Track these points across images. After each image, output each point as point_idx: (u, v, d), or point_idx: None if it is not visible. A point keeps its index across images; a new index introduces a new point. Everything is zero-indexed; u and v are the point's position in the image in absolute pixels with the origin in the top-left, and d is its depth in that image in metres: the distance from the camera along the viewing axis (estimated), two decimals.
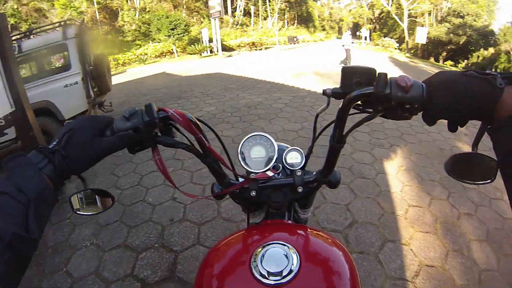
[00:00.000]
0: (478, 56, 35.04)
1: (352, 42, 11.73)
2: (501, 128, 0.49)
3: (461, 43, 34.61)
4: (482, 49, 35.20)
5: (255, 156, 0.87)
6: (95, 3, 28.84)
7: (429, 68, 16.97)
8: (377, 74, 0.62)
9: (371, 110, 0.67)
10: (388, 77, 0.59)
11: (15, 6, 25.61)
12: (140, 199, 3.35)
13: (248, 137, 0.90)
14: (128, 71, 18.36)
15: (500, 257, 2.46)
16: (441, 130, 5.03)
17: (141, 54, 23.59)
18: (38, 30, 6.58)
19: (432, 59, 28.78)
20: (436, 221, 2.87)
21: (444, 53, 37.17)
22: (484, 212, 3.03)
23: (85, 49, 5.61)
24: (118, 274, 2.35)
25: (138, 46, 27.29)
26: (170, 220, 2.93)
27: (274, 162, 0.85)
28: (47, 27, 6.75)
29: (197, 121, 0.72)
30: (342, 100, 0.69)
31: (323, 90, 0.76)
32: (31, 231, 0.47)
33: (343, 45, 12.14)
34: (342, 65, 11.19)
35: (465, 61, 36.09)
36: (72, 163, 0.59)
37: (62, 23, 5.67)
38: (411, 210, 3.05)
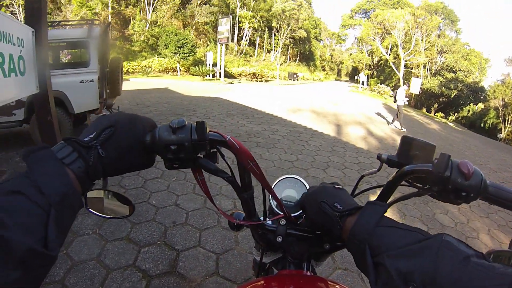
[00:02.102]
0: (469, 111, 37.27)
1: (407, 98, 11.48)
2: (348, 246, 0.58)
3: (452, 96, 36.90)
4: (472, 104, 37.53)
5: (287, 199, 0.84)
6: (109, 7, 29.35)
7: (421, 118, 17.65)
8: (437, 152, 0.62)
9: (420, 186, 0.65)
10: (451, 158, 0.57)
11: None
12: (144, 200, 3.51)
13: (281, 179, 0.88)
14: (132, 80, 18.59)
15: None
16: None
17: (145, 66, 23.95)
18: (63, 23, 6.76)
19: (424, 110, 30.05)
20: None
21: (436, 105, 39.36)
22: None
23: (105, 50, 5.82)
24: (119, 263, 2.47)
25: (144, 58, 27.65)
26: (173, 223, 3.10)
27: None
28: (73, 22, 6.96)
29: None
30: (396, 168, 0.69)
31: (378, 154, 0.74)
32: (50, 246, 0.40)
33: (395, 101, 11.89)
34: (393, 125, 11.42)
35: (455, 114, 38.24)
36: (108, 165, 0.53)
37: (89, 22, 5.86)
38: None
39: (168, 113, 8.82)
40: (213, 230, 3.04)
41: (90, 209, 0.61)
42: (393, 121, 11.97)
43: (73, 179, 0.47)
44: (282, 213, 0.76)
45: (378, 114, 15.65)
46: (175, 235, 2.91)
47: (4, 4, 24.13)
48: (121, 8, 31.40)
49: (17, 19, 23.57)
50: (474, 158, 9.72)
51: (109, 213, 0.65)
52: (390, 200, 0.73)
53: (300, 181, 0.87)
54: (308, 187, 0.84)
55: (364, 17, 62.28)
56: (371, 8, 60.02)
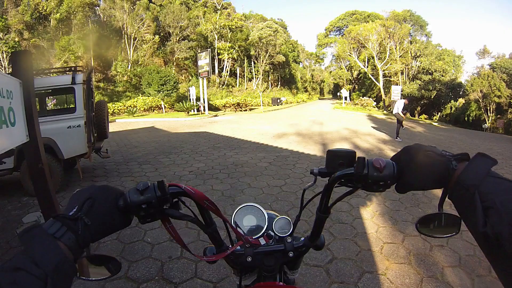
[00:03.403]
0: (451, 108, 38.16)
1: (404, 111, 11.85)
2: (453, 192, 0.62)
3: (432, 97, 38.02)
4: (452, 101, 38.62)
5: (247, 224, 0.95)
6: (91, 50, 29.75)
7: (406, 123, 17.85)
8: (357, 157, 0.74)
9: (351, 185, 0.76)
10: (366, 159, 0.70)
11: (17, 39, 26.38)
12: (140, 239, 3.57)
13: (240, 208, 0.98)
14: (118, 121, 18.74)
15: (474, 278, 2.83)
16: None
17: (130, 106, 24.14)
18: (47, 71, 6.94)
19: (408, 114, 30.65)
20: (409, 253, 3.25)
21: (419, 108, 40.25)
22: (455, 242, 3.45)
23: (90, 95, 5.97)
24: None
25: (128, 98, 27.91)
26: (168, 258, 3.16)
27: (265, 230, 0.93)
28: (57, 69, 7.14)
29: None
30: (327, 178, 0.80)
31: (311, 170, 0.84)
32: None
33: (394, 113, 12.25)
34: (399, 139, 11.63)
35: (438, 113, 39.23)
36: (93, 233, 0.60)
37: (72, 68, 6.04)
38: (386, 246, 3.44)
39: (156, 152, 8.94)
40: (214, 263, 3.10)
41: (81, 277, 0.65)
42: (397, 133, 12.02)
43: (64, 250, 0.53)
44: (241, 240, 0.87)
45: (363, 126, 16.03)
46: (171, 269, 2.97)
47: None
48: (103, 50, 31.88)
49: (1, 65, 23.95)
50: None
51: (99, 275, 0.69)
52: (330, 202, 0.83)
53: (256, 206, 0.98)
54: (263, 210, 0.97)
55: (339, 34, 63.90)
56: (344, 25, 61.78)
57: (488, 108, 34.26)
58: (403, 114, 11.85)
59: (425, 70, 40.15)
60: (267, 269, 0.89)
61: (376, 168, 0.68)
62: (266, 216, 0.96)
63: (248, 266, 0.90)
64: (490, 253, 0.54)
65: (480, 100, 34.77)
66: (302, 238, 0.94)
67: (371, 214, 4.32)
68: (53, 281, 0.48)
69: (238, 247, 0.88)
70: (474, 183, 0.57)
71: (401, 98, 13.76)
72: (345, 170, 0.74)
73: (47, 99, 8.85)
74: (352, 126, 15.65)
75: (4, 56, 24.47)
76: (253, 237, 0.91)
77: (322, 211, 0.85)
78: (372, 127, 16.21)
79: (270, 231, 0.94)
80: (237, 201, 4.82)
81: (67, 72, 6.26)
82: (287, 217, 0.98)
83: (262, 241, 0.91)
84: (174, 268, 2.99)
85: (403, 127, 12.42)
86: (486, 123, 33.01)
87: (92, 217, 0.60)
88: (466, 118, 34.98)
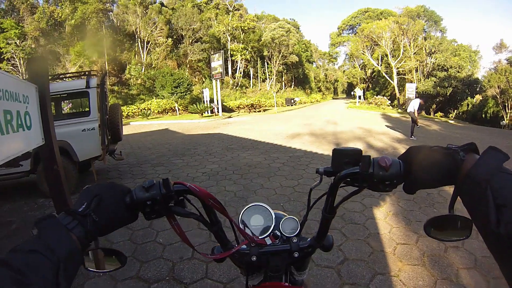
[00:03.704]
0: (468, 105, 36.98)
1: (419, 110, 11.73)
2: (462, 186, 0.59)
3: (448, 94, 37.06)
4: (469, 98, 37.36)
5: (255, 224, 0.95)
6: (105, 54, 30.25)
7: (421, 121, 17.68)
8: (362, 155, 0.72)
9: (357, 184, 0.74)
10: (372, 158, 0.70)
11: (33, 46, 27.12)
12: (152, 240, 3.61)
13: (247, 207, 0.98)
14: (132, 124, 19.04)
15: (489, 280, 2.74)
16: None
17: (144, 109, 24.46)
18: (63, 76, 7.13)
19: (423, 112, 30.21)
20: (423, 255, 3.17)
21: (434, 106, 39.17)
22: (471, 244, 3.32)
23: (104, 98, 6.07)
24: None
25: (142, 101, 28.27)
26: (180, 258, 3.19)
27: (272, 230, 0.92)
28: (72, 74, 7.31)
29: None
30: (333, 177, 0.78)
31: (316, 169, 0.84)
32: None
33: (409, 111, 12.17)
34: (413, 137, 11.56)
35: (455, 110, 38.03)
36: (101, 228, 0.64)
37: (86, 73, 6.17)
38: (399, 247, 3.37)
39: (169, 154, 9.02)
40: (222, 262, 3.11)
41: (88, 268, 0.68)
42: (412, 132, 11.93)
43: (75, 240, 0.57)
44: (246, 239, 0.86)
45: (377, 125, 15.85)
46: (182, 270, 2.99)
47: (5, 58, 25.26)
48: (117, 54, 32.38)
49: (19, 71, 24.62)
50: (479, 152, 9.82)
51: (106, 267, 0.73)
52: (336, 202, 0.82)
53: (263, 206, 0.98)
54: (270, 210, 0.97)
55: (351, 33, 63.26)
56: (357, 23, 61.20)
57: (507, 104, 32.84)
58: (418, 113, 11.69)
59: (440, 67, 39.24)
60: (273, 269, 0.89)
61: (382, 167, 0.67)
62: (273, 216, 0.95)
63: (253, 265, 0.90)
64: (502, 254, 0.52)
65: (498, 96, 33.35)
66: (309, 239, 0.94)
67: (385, 215, 4.25)
68: (65, 266, 0.52)
69: (244, 246, 0.89)
70: (486, 177, 0.54)
71: (416, 97, 13.53)
72: (350, 169, 0.73)
73: (62, 103, 9.03)
74: (366, 125, 15.48)
75: (22, 62, 25.14)
76: (259, 237, 0.91)
77: (327, 211, 0.84)
78: (386, 126, 16.00)
79: (276, 231, 0.94)
80: (250, 202, 4.71)
81: (82, 77, 6.39)
82: (295, 218, 0.98)
83: (268, 240, 0.91)
84: (185, 269, 3.00)
85: (417, 125, 12.20)
86: (504, 119, 31.77)
87: (99, 214, 0.63)
88: (483, 115, 33.78)
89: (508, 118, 31.94)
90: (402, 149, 9.29)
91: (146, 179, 0.76)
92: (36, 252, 0.50)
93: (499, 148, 0.58)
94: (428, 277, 2.81)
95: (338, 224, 3.90)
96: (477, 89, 38.25)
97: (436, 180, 0.64)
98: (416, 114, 11.50)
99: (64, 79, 7.10)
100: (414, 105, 11.59)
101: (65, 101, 10.53)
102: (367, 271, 2.91)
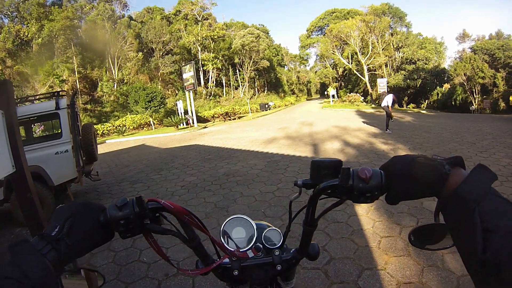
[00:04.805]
0: (438, 94, 38.69)
1: (392, 104, 12.11)
2: (448, 203, 0.55)
3: (418, 86, 38.67)
4: (438, 87, 39.15)
5: (237, 236, 0.92)
6: (76, 72, 29.62)
7: (394, 114, 18.06)
8: (342, 167, 0.70)
9: (339, 196, 0.72)
10: (352, 169, 0.67)
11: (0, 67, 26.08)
12: (135, 259, 3.52)
13: (228, 220, 0.96)
14: (108, 142, 18.66)
15: None
16: None
17: (119, 126, 24.04)
18: (32, 98, 6.87)
19: (396, 105, 30.91)
20: (408, 245, 3.23)
21: (406, 98, 40.75)
22: None
23: (75, 119, 5.91)
24: None
25: (117, 117, 27.79)
26: (165, 275, 3.12)
27: (254, 243, 0.90)
28: (40, 96, 7.10)
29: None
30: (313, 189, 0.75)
31: (295, 181, 0.81)
32: None
33: (383, 106, 12.59)
34: (389, 131, 11.83)
35: (426, 101, 39.72)
36: (75, 250, 0.62)
37: (55, 94, 5.95)
38: (384, 240, 3.45)
39: (147, 169, 8.87)
40: (206, 277, 3.00)
41: None
42: (387, 126, 12.24)
43: (49, 266, 0.55)
44: (227, 253, 0.85)
45: (352, 122, 16.08)
46: (169, 287, 2.94)
47: None
48: (87, 72, 31.77)
49: None
50: (451, 136, 10.30)
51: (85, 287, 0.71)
52: (317, 214, 0.80)
53: (244, 218, 0.96)
54: (251, 222, 0.94)
55: (321, 34, 64.06)
56: (325, 24, 61.97)
57: (474, 90, 34.88)
58: (391, 107, 12.08)
59: (408, 60, 40.89)
60: (256, 282, 0.88)
61: (362, 178, 0.65)
62: (255, 228, 0.94)
63: (236, 279, 0.89)
64: (483, 281, 0.48)
65: (465, 83, 35.37)
66: (292, 250, 0.93)
67: (366, 210, 4.33)
68: None
69: (227, 260, 0.87)
70: (475, 198, 0.50)
71: (389, 92, 13.91)
72: (329, 182, 0.71)
73: (33, 126, 8.77)
74: (342, 123, 15.71)
75: None
76: (241, 250, 0.89)
77: (308, 223, 0.82)
78: (361, 122, 16.33)
79: (259, 244, 0.92)
80: (231, 211, 4.78)
81: (52, 98, 6.23)
82: (277, 229, 0.98)
83: (251, 253, 0.90)
84: (172, 286, 2.95)
85: (392, 119, 12.54)
86: (473, 105, 33.61)
87: (73, 236, 0.62)
88: (453, 103, 35.46)
89: (476, 103, 33.57)
90: (378, 143, 9.53)
91: None
92: (11, 279, 0.49)
93: (488, 167, 0.55)
94: (415, 266, 2.89)
95: (321, 225, 3.93)
96: (445, 78, 40.24)
97: (419, 193, 0.62)
98: (390, 109, 11.85)
99: (34, 101, 6.88)
100: (387, 100, 11.97)
101: (35, 124, 10.25)
102: (354, 268, 2.96)
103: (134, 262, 3.48)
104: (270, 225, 1.03)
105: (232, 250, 0.87)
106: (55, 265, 0.57)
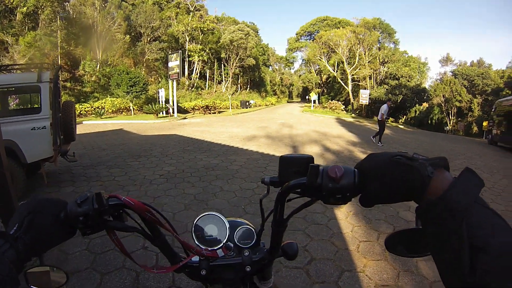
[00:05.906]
0: (416, 111, 40.43)
1: (387, 117, 11.96)
2: (429, 211, 0.48)
3: (398, 101, 39.54)
4: (417, 105, 40.86)
5: (208, 234, 0.86)
6: (58, 48, 28.63)
7: (373, 125, 18.56)
8: (311, 164, 0.64)
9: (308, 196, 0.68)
10: (321, 167, 0.61)
11: None
12: (111, 248, 3.34)
13: (200, 217, 0.90)
14: (85, 123, 18.10)
15: None
16: None
17: (98, 107, 23.44)
18: (10, 68, 6.50)
19: (375, 117, 31.48)
20: (385, 250, 3.27)
21: None
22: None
23: (57, 95, 5.63)
24: None
25: (96, 99, 27.04)
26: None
27: (226, 241, 0.85)
28: (20, 66, 6.72)
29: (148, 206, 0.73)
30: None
31: (262, 179, 0.78)
32: None
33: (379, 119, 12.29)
34: (380, 144, 11.80)
35: (404, 116, 41.19)
36: (35, 248, 0.61)
37: (38, 65, 5.64)
38: (362, 244, 3.58)
39: (125, 155, 8.64)
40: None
41: (31, 286, 0.68)
42: (374, 136, 12.39)
43: (8, 265, 0.54)
44: (193, 252, 0.82)
45: (332, 129, 16.30)
46: (147, 279, 2.84)
47: None
48: (71, 48, 30.72)
49: None
50: (426, 153, 10.46)
51: (49, 285, 0.72)
52: (286, 214, 0.77)
53: (216, 216, 0.90)
54: (223, 219, 0.88)
55: (309, 39, 64.65)
56: (315, 30, 62.73)
57: (450, 112, 36.83)
58: (386, 118, 12.27)
59: (392, 76, 41.99)
60: (227, 283, 0.87)
61: (332, 178, 0.58)
62: (227, 226, 0.87)
63: (206, 279, 0.86)
64: None
65: (443, 105, 37.28)
66: (266, 249, 0.89)
67: (345, 214, 4.45)
68: None
69: (195, 259, 0.85)
70: (462, 208, 0.44)
71: (383, 102, 14.10)
72: (298, 180, 0.65)
73: (9, 98, 8.34)
74: (322, 129, 15.86)
75: None
76: (209, 249, 0.84)
77: (276, 224, 0.79)
78: (341, 129, 16.55)
79: (229, 243, 0.88)
80: (210, 205, 4.74)
81: (32, 69, 5.90)
82: (251, 226, 0.94)
83: (221, 253, 0.85)
84: (150, 278, 2.86)
85: (373, 137, 12.59)
86: (447, 125, 35.57)
87: (32, 234, 0.61)
88: (429, 121, 37.20)
89: (451, 124, 35.12)
90: (357, 152, 9.70)
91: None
92: None
93: (475, 171, 0.49)
94: (392, 270, 3.03)
95: (302, 225, 4.01)
96: (424, 97, 41.82)
97: (397, 196, 0.54)
98: (383, 117, 11.91)
99: (12, 71, 6.51)
100: (382, 111, 12.02)
101: (12, 96, 9.77)
102: (334, 269, 3.04)
103: (110, 251, 3.33)
104: (247, 223, 0.99)
105: (200, 249, 0.83)
106: (14, 264, 0.56)
